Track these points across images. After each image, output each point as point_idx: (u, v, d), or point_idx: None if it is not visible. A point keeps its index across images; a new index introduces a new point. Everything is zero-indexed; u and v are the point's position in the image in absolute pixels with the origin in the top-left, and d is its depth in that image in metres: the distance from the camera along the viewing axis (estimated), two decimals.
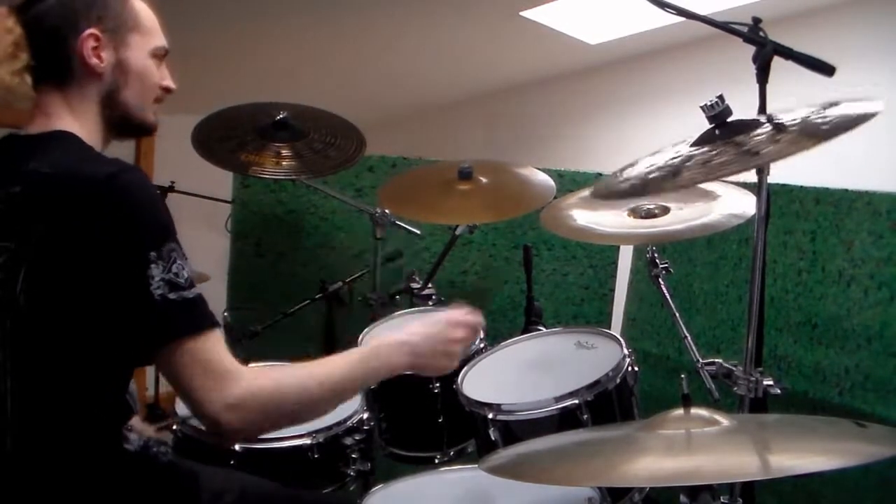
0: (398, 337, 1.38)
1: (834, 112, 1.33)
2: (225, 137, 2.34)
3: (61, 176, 1.18)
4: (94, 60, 1.30)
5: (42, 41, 1.27)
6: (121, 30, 1.33)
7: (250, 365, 1.35)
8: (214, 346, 1.18)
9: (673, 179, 1.38)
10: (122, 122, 1.36)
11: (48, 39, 1.28)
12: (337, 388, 1.27)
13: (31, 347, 1.16)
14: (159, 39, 1.38)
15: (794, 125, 1.36)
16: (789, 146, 1.28)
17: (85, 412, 1.21)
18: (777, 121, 1.39)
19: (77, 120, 1.30)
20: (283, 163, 2.33)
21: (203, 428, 1.21)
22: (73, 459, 1.20)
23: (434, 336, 1.40)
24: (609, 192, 1.57)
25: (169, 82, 1.40)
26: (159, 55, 1.38)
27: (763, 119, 1.43)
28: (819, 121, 1.33)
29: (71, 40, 1.29)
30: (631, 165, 1.56)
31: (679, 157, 1.43)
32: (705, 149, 1.41)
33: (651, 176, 1.43)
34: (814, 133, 1.28)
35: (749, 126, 1.40)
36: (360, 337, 2.15)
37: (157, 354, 1.16)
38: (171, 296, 1.14)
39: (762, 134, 1.37)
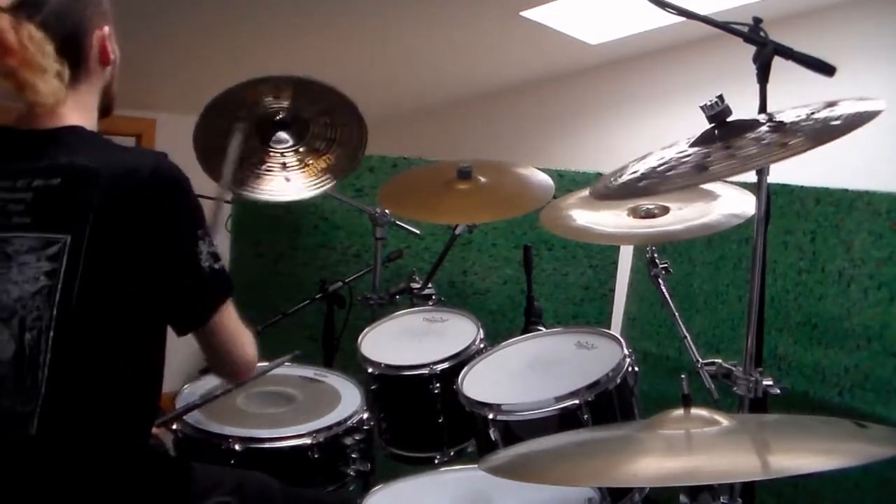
0: None
1: (835, 112, 1.33)
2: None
3: (108, 169, 1.23)
4: (112, 56, 1.36)
5: (63, 45, 1.27)
6: (111, 23, 1.38)
7: None
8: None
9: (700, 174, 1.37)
10: (105, 111, 1.41)
11: (68, 42, 1.29)
12: None
13: (75, 336, 1.19)
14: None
15: (793, 126, 1.35)
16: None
17: (118, 402, 1.24)
18: (776, 120, 1.39)
19: (84, 114, 1.33)
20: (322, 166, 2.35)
21: (235, 376, 1.48)
22: (96, 449, 1.22)
23: None
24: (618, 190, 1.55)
25: None
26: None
27: (762, 119, 1.43)
28: (821, 120, 1.32)
29: (87, 39, 1.32)
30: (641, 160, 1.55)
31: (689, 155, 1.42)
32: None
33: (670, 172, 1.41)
34: (818, 135, 1.28)
35: (748, 126, 1.40)
36: (360, 337, 2.15)
37: (210, 318, 1.32)
38: (216, 266, 1.31)
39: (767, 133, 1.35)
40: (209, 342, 1.36)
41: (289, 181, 2.34)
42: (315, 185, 2.37)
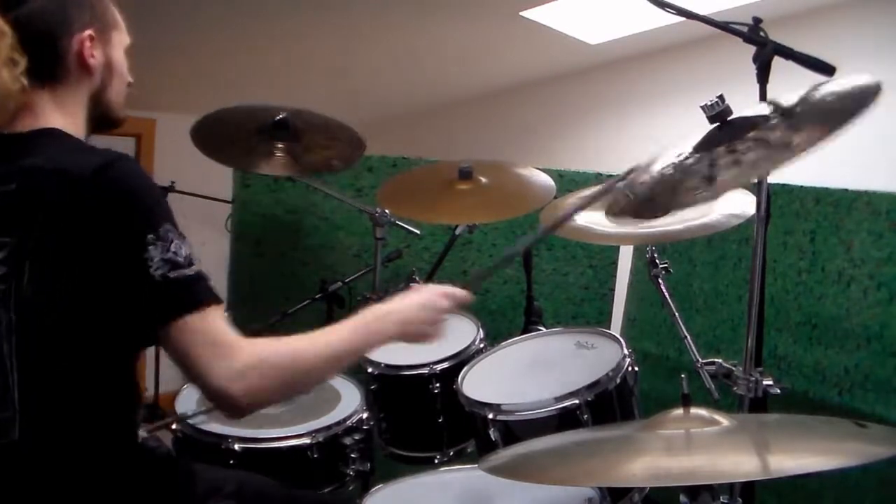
0: (388, 307, 1.39)
1: (834, 89, 1.31)
2: (227, 140, 2.35)
3: (55, 169, 1.19)
4: (92, 61, 1.31)
5: (36, 42, 1.26)
6: (107, 29, 1.35)
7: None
8: (216, 320, 1.20)
9: (710, 186, 1.31)
10: (101, 118, 1.38)
11: (42, 40, 1.27)
12: (332, 357, 1.29)
13: (37, 339, 1.17)
14: (128, 36, 1.41)
15: (800, 108, 1.33)
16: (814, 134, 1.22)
17: (94, 401, 1.22)
18: (782, 106, 1.36)
19: (66, 118, 1.30)
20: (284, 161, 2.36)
21: (212, 404, 1.22)
22: (84, 450, 1.21)
23: (422, 304, 1.41)
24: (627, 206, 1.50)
25: (130, 78, 1.42)
26: (128, 52, 1.41)
27: (768, 108, 1.40)
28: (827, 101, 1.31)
29: (65, 41, 1.29)
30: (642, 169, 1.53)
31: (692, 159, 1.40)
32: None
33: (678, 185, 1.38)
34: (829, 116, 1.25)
35: (755, 122, 1.38)
36: None
37: (162, 333, 1.18)
38: (172, 274, 1.17)
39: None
40: (172, 358, 1.20)
41: (298, 161, 2.37)
42: (323, 168, 2.42)
